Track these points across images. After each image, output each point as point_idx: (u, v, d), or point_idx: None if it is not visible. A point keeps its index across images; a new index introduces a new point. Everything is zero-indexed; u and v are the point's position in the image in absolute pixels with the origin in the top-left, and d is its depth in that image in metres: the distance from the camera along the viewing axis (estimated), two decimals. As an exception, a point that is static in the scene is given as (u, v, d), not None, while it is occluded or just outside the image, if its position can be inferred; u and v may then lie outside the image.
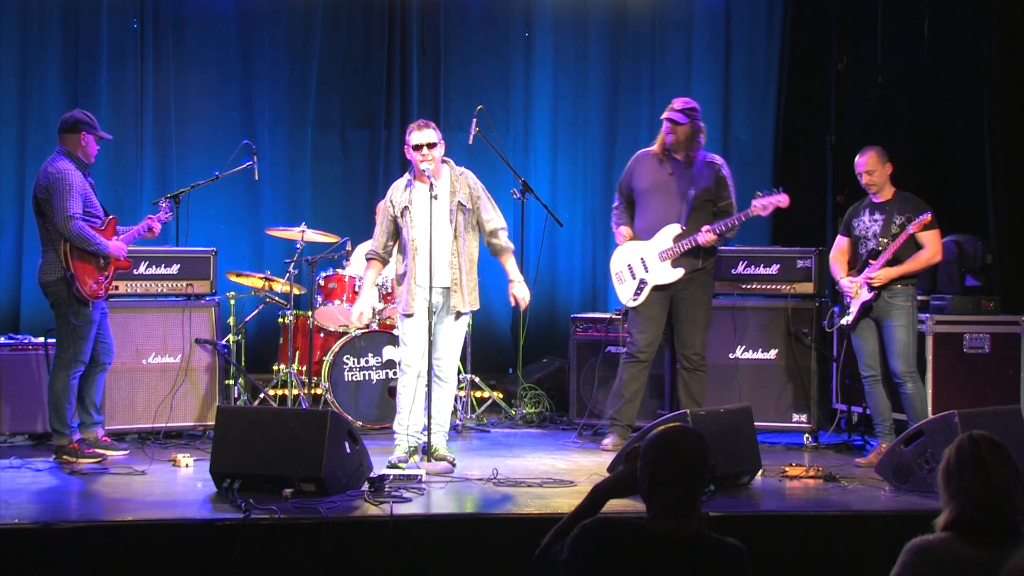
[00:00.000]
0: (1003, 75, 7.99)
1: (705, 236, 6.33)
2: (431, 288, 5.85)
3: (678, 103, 6.49)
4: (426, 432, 5.97)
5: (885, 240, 6.25)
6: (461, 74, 9.05)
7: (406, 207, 5.98)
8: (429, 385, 5.93)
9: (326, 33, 8.82)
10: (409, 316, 5.95)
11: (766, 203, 6.32)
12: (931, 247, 6.29)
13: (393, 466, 5.76)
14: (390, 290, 7.44)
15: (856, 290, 6.34)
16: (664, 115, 6.51)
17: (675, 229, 6.43)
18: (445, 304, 5.96)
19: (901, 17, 8.51)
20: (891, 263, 6.26)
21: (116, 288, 6.51)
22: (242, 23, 8.73)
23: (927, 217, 6.18)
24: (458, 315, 5.96)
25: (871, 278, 6.24)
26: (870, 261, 6.32)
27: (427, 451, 5.87)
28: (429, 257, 5.82)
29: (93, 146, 6.13)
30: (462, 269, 5.94)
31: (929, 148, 8.48)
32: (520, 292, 6.09)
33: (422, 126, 5.97)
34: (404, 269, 6.00)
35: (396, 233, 6.07)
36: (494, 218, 6.09)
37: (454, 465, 5.84)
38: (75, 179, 5.94)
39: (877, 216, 6.39)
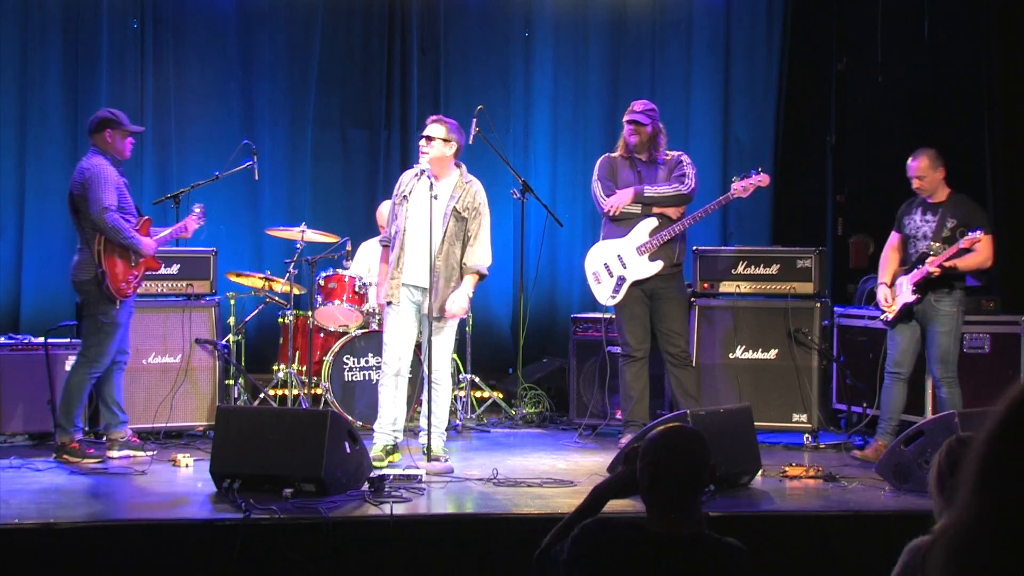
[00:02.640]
0: (1003, 75, 7.99)
1: (682, 224, 6.49)
2: (412, 286, 5.95)
3: (638, 105, 6.61)
4: (404, 430, 6.13)
5: (936, 244, 6.18)
6: (461, 74, 9.04)
7: (406, 196, 6.03)
8: (429, 386, 5.96)
9: (326, 33, 8.81)
10: (390, 305, 5.98)
11: (746, 184, 6.45)
12: (981, 252, 6.20)
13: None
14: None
15: (892, 297, 6.38)
16: (626, 118, 6.62)
17: (651, 223, 6.52)
18: (423, 303, 5.99)
19: (901, 17, 8.51)
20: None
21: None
22: (242, 23, 8.72)
23: (978, 236, 6.07)
24: (441, 318, 5.94)
25: (929, 272, 6.17)
26: (917, 265, 6.28)
27: (427, 452, 5.89)
28: (415, 251, 5.91)
29: (121, 142, 6.15)
30: (440, 274, 5.90)
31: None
32: (453, 300, 5.93)
33: (434, 120, 6.04)
34: (392, 258, 6.04)
35: None
36: (478, 254, 5.98)
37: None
38: (110, 173, 6.00)
39: (929, 217, 6.34)
